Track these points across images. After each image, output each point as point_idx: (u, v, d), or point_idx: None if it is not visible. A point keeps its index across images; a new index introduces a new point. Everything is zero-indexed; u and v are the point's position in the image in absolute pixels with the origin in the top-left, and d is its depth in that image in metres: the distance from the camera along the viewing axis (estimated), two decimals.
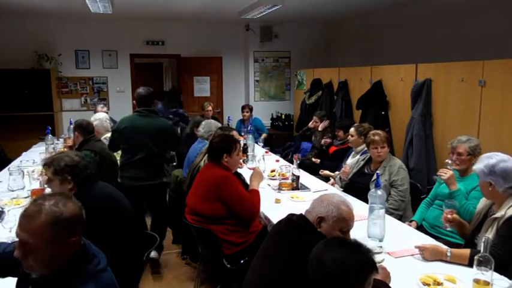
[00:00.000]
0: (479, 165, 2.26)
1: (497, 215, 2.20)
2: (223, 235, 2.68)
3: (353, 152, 4.13)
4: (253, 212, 2.75)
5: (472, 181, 2.79)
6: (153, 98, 3.93)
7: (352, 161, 3.92)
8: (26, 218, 1.38)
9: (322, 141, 5.07)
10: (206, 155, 3.31)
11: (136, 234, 2.52)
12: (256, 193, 2.87)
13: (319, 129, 5.18)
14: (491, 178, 2.20)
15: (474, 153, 2.85)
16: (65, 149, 4.09)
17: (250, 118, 6.61)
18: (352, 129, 4.12)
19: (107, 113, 5.40)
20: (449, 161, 2.89)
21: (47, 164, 2.33)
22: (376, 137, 3.40)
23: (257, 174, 3.05)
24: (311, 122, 5.67)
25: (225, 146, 2.84)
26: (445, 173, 2.76)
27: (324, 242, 1.56)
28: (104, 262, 1.53)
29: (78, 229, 1.45)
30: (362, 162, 3.67)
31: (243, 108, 6.69)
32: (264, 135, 6.40)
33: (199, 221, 2.73)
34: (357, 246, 1.50)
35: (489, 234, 2.19)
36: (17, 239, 2.33)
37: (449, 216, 2.45)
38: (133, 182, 3.59)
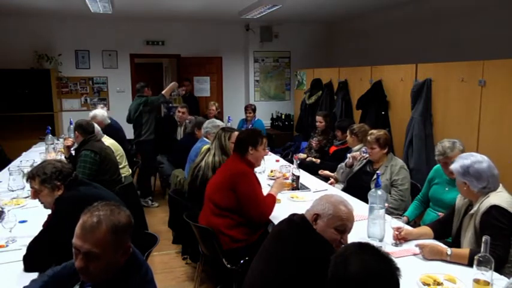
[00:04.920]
0: (456, 165, 2.33)
1: (472, 211, 2.27)
2: (226, 229, 2.71)
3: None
4: (263, 214, 2.77)
5: None
6: (144, 87, 5.73)
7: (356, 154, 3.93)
8: (88, 229, 1.47)
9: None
10: (207, 155, 3.33)
11: (136, 234, 2.50)
12: (272, 197, 2.90)
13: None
14: (466, 178, 2.26)
15: None
16: (64, 149, 4.09)
17: (253, 119, 6.56)
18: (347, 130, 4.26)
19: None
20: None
21: (31, 176, 2.28)
22: (368, 137, 3.52)
23: (280, 183, 3.12)
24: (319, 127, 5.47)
25: (251, 138, 2.92)
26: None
27: (355, 245, 1.46)
28: (150, 273, 1.61)
29: (130, 234, 1.58)
30: (364, 161, 3.68)
31: (246, 108, 6.61)
32: None
33: (214, 212, 2.79)
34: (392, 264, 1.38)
35: (469, 231, 2.25)
36: (11, 240, 2.36)
37: (398, 233, 2.37)
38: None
